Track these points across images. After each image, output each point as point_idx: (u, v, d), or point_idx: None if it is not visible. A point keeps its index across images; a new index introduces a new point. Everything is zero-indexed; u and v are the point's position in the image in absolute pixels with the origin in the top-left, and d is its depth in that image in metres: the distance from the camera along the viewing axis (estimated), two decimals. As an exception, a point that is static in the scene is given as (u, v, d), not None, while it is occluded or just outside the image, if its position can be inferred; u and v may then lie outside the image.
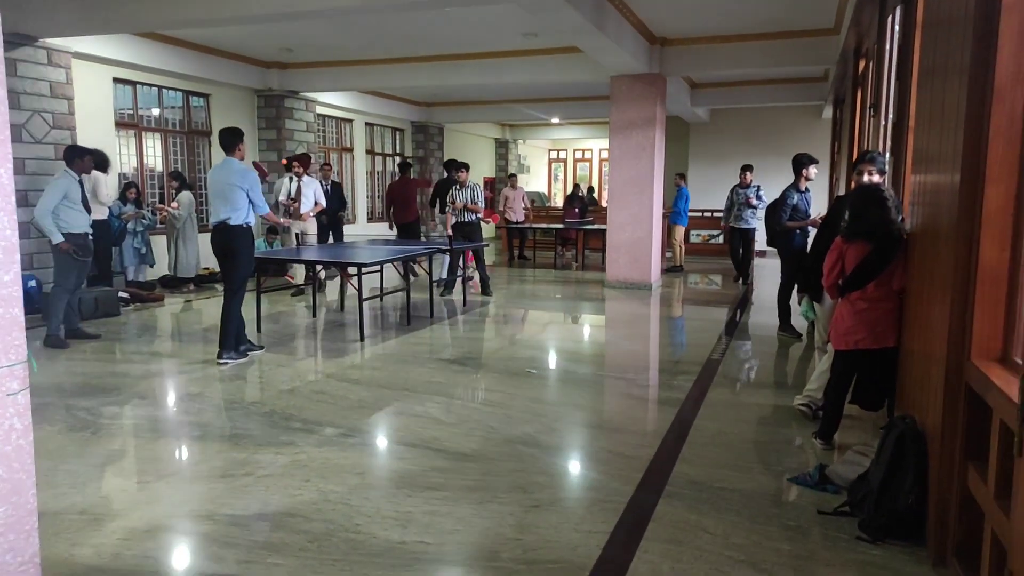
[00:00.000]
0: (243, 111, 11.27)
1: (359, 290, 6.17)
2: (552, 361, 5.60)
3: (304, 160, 8.61)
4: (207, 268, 10.16)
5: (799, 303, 4.26)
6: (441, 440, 3.75)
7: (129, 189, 9.02)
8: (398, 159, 15.91)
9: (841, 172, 9.78)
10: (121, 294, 8.14)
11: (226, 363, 5.43)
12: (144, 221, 9.10)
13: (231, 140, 5.52)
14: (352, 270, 6.35)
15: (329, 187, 10.32)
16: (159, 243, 9.65)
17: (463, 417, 4.14)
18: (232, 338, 5.51)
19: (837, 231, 3.56)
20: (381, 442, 3.79)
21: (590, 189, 16.96)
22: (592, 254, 14.05)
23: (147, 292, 8.53)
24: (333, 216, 10.19)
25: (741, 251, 10.43)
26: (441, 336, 6.53)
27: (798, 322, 6.51)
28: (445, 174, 10.45)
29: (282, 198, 8.49)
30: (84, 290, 7.49)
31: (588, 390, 4.77)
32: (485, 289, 9.03)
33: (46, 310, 5.92)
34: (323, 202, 8.71)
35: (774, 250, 6.91)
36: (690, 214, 13.26)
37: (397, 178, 10.37)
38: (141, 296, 8.41)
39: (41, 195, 5.86)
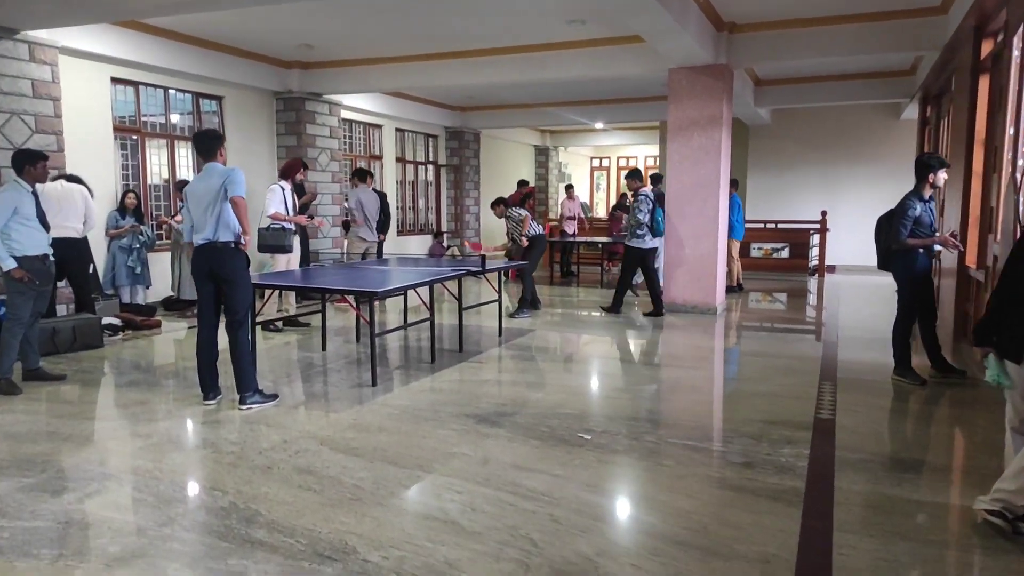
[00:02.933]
0: (260, 115, 10.30)
1: (371, 324, 5.01)
2: (608, 419, 4.35)
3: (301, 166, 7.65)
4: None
5: (983, 362, 2.94)
6: (458, 570, 2.54)
7: (128, 196, 8.07)
8: (431, 167, 14.87)
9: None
10: (110, 320, 7.16)
11: (250, 408, 4.49)
12: (141, 237, 8.13)
13: (211, 144, 4.57)
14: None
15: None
16: (161, 261, 8.68)
17: (491, 521, 2.92)
18: (252, 377, 4.58)
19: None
20: (371, 572, 2.59)
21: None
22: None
23: (141, 318, 7.53)
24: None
25: (635, 274, 8.75)
26: (471, 379, 5.34)
27: (918, 361, 5.17)
28: (355, 185, 9.33)
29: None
30: (63, 318, 6.52)
31: (662, 470, 3.51)
32: (534, 304, 8.40)
33: (-2, 348, 4.91)
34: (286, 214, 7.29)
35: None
36: (749, 226, 11.91)
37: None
38: (134, 322, 7.41)
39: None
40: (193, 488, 3.30)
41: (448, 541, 2.75)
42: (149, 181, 8.96)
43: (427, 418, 4.34)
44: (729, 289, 10.39)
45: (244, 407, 4.48)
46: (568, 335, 7.35)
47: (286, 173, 7.57)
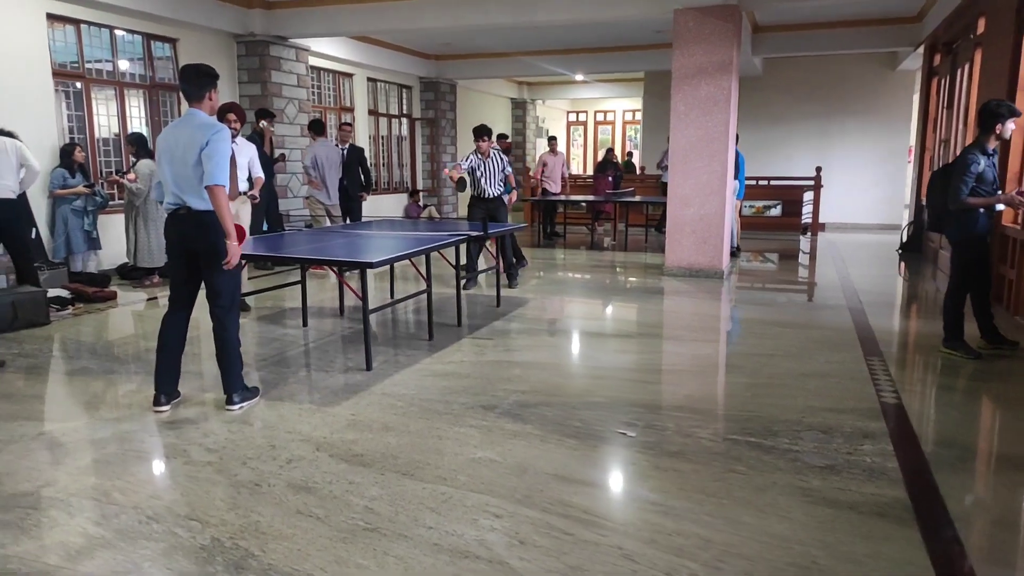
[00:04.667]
0: (219, 61, 9.31)
1: (364, 299, 4.32)
2: (647, 409, 3.77)
3: (238, 112, 5.74)
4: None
5: None
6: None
7: (76, 150, 7.15)
8: (405, 121, 13.99)
9: (959, 138, 7.83)
10: (59, 292, 6.34)
11: (240, 407, 3.77)
12: (97, 199, 7.26)
13: (200, 82, 3.64)
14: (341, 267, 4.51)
15: (346, 152, 8.51)
16: (114, 224, 7.80)
17: (548, 559, 2.33)
18: (239, 373, 3.80)
19: None
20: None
21: (629, 154, 14.91)
22: (632, 230, 12.15)
23: (94, 288, 6.71)
24: (346, 192, 8.42)
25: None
26: (478, 360, 4.71)
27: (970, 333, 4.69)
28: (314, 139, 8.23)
29: None
30: (0, 291, 5.69)
31: (736, 479, 2.94)
32: (511, 280, 7.31)
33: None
34: (261, 174, 6.02)
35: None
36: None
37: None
38: (86, 294, 6.59)
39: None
40: (164, 519, 2.63)
41: (500, 592, 2.16)
42: (96, 134, 8.01)
43: (439, 412, 3.71)
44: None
45: (233, 407, 3.75)
46: (571, 304, 6.75)
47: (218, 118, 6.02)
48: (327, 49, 10.78)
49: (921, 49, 10.55)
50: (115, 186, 7.90)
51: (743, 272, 8.52)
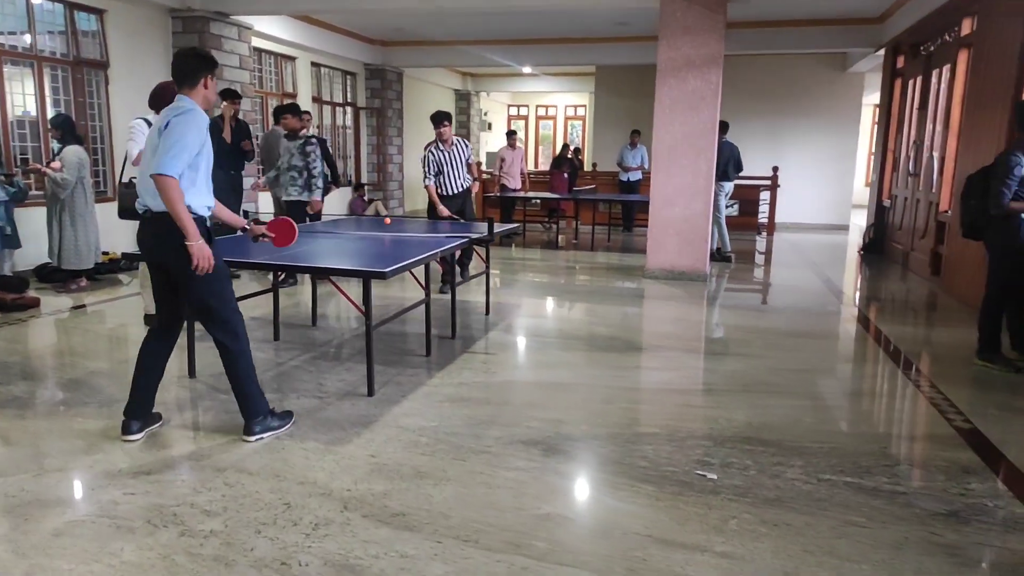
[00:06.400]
0: (152, 36, 8.35)
1: (367, 314, 3.69)
2: (713, 442, 3.32)
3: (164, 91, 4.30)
4: (108, 253, 7.37)
5: None
6: None
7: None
8: (349, 110, 13.17)
9: (935, 139, 7.77)
10: (-31, 301, 5.38)
11: (260, 438, 3.18)
12: (11, 188, 6.25)
13: (192, 66, 3.05)
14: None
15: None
16: (32, 219, 6.80)
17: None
18: (258, 396, 3.20)
19: None
20: None
21: (576, 151, 14.54)
22: (584, 228, 11.77)
23: (13, 295, 5.75)
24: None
25: None
26: (490, 381, 4.15)
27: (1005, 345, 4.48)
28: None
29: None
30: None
31: (861, 534, 2.51)
32: (463, 272, 6.77)
33: None
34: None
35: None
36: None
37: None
38: (4, 301, 5.64)
39: None
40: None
41: None
42: (9, 115, 6.95)
43: (473, 450, 3.14)
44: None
45: (250, 439, 3.16)
46: (563, 311, 6.27)
47: (156, 101, 4.45)
48: (270, 29, 9.89)
49: (881, 51, 10.58)
50: (33, 176, 6.88)
51: (724, 275, 8.24)
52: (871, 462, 3.07)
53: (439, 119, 6.60)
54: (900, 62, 9.93)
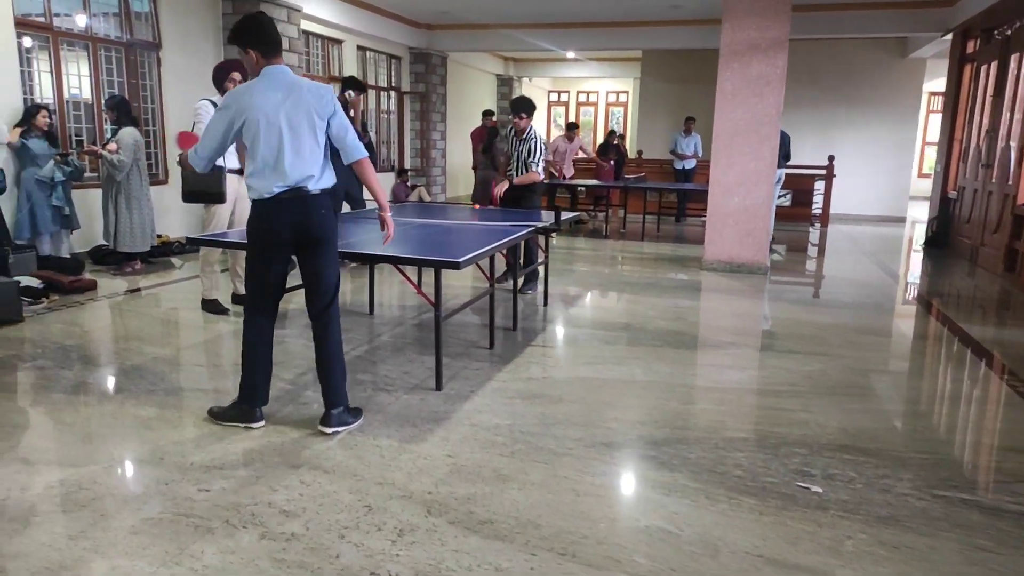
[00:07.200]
0: (204, 17, 8.29)
1: (436, 305, 3.55)
2: (809, 449, 3.12)
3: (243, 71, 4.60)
4: (162, 236, 7.36)
5: None
6: None
7: (40, 113, 6.12)
8: (393, 94, 13.04)
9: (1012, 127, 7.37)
10: (28, 282, 5.37)
11: (337, 431, 3.09)
12: (67, 168, 6.23)
13: (277, 34, 3.02)
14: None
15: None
16: (88, 201, 6.80)
17: None
18: (343, 384, 3.15)
19: None
20: None
21: (620, 137, 14.23)
22: (631, 217, 11.50)
23: (70, 278, 5.73)
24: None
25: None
26: (559, 377, 3.99)
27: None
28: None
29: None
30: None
31: (1000, 562, 2.31)
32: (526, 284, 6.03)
33: None
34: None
35: None
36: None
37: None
38: (60, 284, 5.63)
39: None
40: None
41: None
42: (65, 96, 6.93)
43: (553, 451, 2.98)
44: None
45: (330, 430, 3.08)
46: (623, 303, 6.07)
47: (218, 79, 4.88)
48: (318, 11, 9.78)
49: (948, 36, 10.11)
50: (89, 158, 6.86)
51: (784, 268, 7.96)
52: (986, 477, 2.85)
53: (520, 107, 6.06)
54: (971, 47, 9.47)
